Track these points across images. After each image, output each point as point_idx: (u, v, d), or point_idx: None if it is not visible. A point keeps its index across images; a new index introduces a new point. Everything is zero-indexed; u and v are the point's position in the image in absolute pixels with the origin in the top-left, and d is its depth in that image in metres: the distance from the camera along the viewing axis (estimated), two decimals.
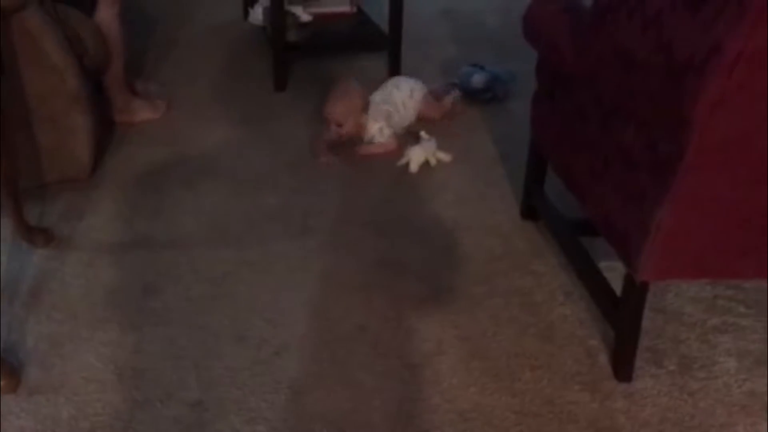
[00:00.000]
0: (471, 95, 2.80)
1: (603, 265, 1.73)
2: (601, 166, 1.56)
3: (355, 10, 3.33)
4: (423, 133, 2.40)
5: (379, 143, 2.42)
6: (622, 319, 1.55)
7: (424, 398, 1.51)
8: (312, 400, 1.49)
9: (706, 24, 1.14)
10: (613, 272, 1.67)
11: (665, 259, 1.42)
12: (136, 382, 1.52)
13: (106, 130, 2.44)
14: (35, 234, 1.93)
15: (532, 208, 2.08)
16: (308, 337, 1.66)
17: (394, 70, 3.00)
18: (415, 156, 2.34)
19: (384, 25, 3.01)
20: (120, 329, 1.66)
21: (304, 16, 3.13)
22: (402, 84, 2.58)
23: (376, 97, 2.50)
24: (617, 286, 1.58)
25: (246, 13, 3.54)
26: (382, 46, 3.00)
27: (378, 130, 2.41)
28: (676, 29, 1.21)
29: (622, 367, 1.57)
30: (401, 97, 2.52)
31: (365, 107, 2.42)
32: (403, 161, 2.35)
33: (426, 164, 2.35)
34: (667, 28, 1.23)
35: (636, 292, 1.49)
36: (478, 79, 2.80)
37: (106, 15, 2.35)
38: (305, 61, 3.06)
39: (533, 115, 1.93)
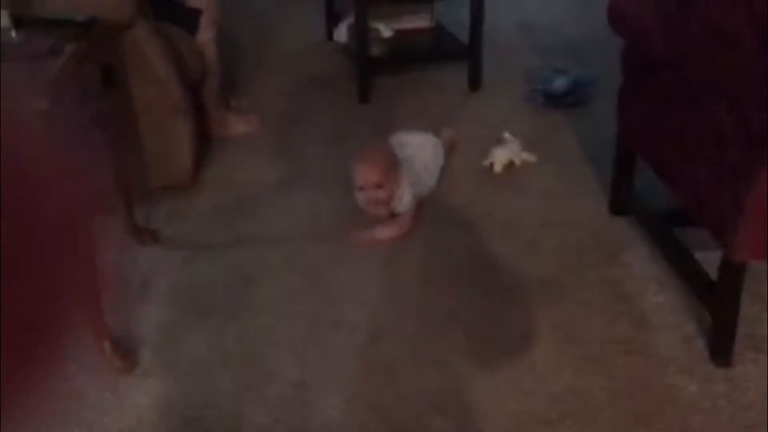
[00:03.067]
0: (554, 99, 2.82)
1: (697, 256, 1.71)
2: (692, 149, 1.55)
3: (434, 24, 3.41)
4: (507, 134, 2.43)
5: (394, 226, 2.05)
6: (719, 302, 1.53)
7: (518, 380, 1.53)
8: (407, 381, 1.54)
9: None
10: (708, 264, 1.65)
11: (762, 238, 1.40)
12: (240, 365, 1.61)
13: (203, 143, 2.58)
14: (144, 234, 2.06)
15: (621, 203, 2.07)
16: (400, 324, 1.71)
17: (475, 80, 3.05)
18: (499, 156, 2.37)
19: (463, 39, 3.07)
20: (223, 318, 1.76)
21: (386, 32, 3.22)
22: (425, 143, 2.25)
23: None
24: (713, 276, 1.56)
25: (329, 36, 3.67)
26: (462, 56, 3.06)
27: (398, 198, 2.05)
28: None
29: (721, 351, 1.54)
30: (425, 160, 2.19)
31: (399, 166, 2.07)
32: (487, 162, 2.39)
33: (510, 165, 2.38)
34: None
35: (733, 273, 1.48)
36: (560, 83, 2.81)
37: (205, 37, 2.50)
38: (387, 75, 3.15)
39: (620, 107, 1.94)
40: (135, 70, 2.06)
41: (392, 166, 2.05)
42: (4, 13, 1.59)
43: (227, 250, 2.03)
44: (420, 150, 2.21)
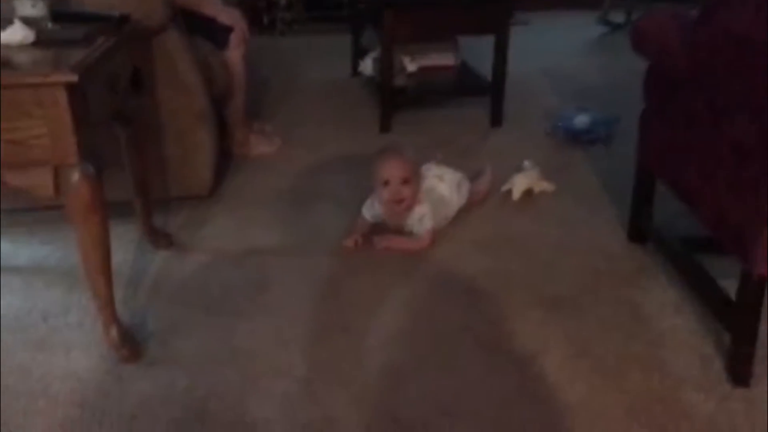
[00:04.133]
0: (574, 136, 2.83)
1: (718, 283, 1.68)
2: (713, 166, 1.54)
3: (459, 63, 3.46)
4: (526, 162, 2.43)
5: (413, 239, 2.05)
6: (738, 319, 1.49)
7: (530, 390, 1.49)
8: (416, 386, 1.50)
9: None
10: (729, 290, 1.62)
11: None
12: (247, 361, 1.58)
13: (225, 160, 2.61)
14: (159, 237, 2.06)
15: (639, 231, 2.05)
16: (412, 332, 1.68)
17: (497, 117, 3.08)
18: (518, 183, 2.37)
19: (487, 77, 3.11)
20: (234, 317, 1.74)
21: (411, 67, 3.28)
22: (446, 176, 2.20)
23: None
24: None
25: (354, 71, 3.75)
26: (485, 92, 3.10)
27: (419, 218, 2.04)
28: None
29: (740, 371, 1.50)
30: (447, 191, 2.16)
31: (420, 176, 2.08)
32: (505, 188, 2.39)
33: (529, 192, 2.38)
34: None
35: (753, 288, 1.45)
36: (581, 121, 2.83)
37: (233, 54, 2.56)
38: (410, 108, 3.19)
39: (641, 132, 1.94)
40: (163, 76, 2.10)
41: (416, 166, 2.06)
42: (41, 5, 1.64)
43: (242, 257, 2.03)
44: (440, 181, 2.18)
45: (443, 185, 2.18)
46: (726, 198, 1.49)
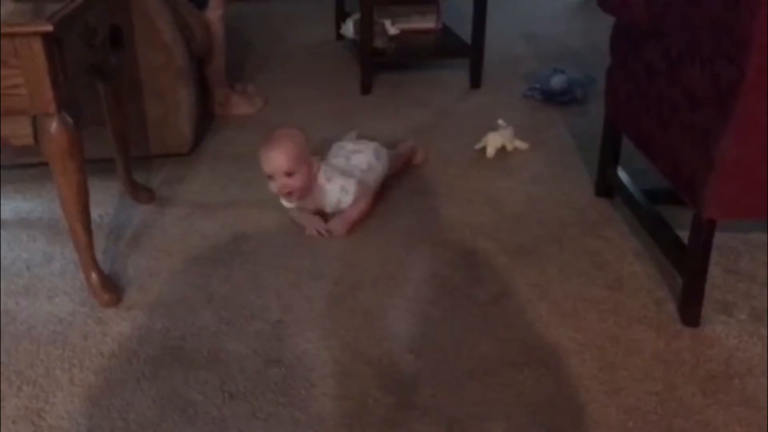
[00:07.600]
0: (550, 96, 2.89)
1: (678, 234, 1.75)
2: (668, 116, 1.61)
3: (440, 26, 3.51)
4: (500, 121, 2.49)
5: (352, 208, 1.99)
6: (689, 262, 1.57)
7: (490, 330, 1.57)
8: (383, 325, 1.58)
9: None
10: (685, 239, 1.69)
11: (731, 194, 1.45)
12: (223, 305, 1.65)
13: (205, 120, 2.66)
14: (140, 192, 2.12)
15: (606, 186, 2.12)
16: (382, 278, 1.75)
17: (476, 78, 3.13)
18: (492, 141, 2.43)
19: (468, 41, 3.16)
20: (212, 265, 1.81)
21: (392, 30, 3.32)
22: (364, 147, 2.16)
23: (332, 160, 2.12)
24: None
25: (338, 36, 3.78)
26: (464, 53, 3.14)
27: (341, 190, 1.98)
28: None
29: (690, 311, 1.58)
30: (371, 158, 2.12)
31: (309, 157, 1.96)
32: (479, 146, 2.45)
33: (502, 150, 2.44)
34: None
35: (703, 231, 1.52)
36: (557, 81, 2.88)
37: (213, 15, 2.60)
38: (391, 71, 3.24)
39: (607, 87, 2.00)
40: (141, 34, 2.14)
41: (303, 153, 1.93)
42: None
43: (221, 210, 2.09)
44: (360, 153, 2.13)
45: (362, 156, 2.12)
46: (680, 146, 1.56)
